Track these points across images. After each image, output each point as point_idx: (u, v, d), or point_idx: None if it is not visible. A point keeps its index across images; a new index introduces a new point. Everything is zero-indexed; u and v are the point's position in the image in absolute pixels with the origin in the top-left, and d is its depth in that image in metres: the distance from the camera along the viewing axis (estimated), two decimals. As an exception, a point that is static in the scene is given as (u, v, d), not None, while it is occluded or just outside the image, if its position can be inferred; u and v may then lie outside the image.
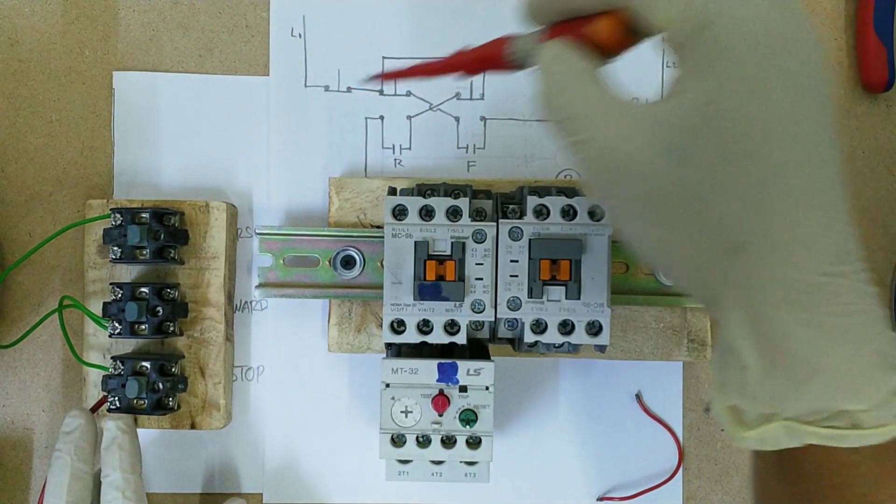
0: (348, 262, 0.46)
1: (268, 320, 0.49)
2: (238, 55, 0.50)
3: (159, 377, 0.45)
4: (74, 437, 0.42)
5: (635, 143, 0.25)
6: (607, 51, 0.29)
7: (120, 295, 0.45)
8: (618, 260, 0.46)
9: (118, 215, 0.45)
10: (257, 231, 0.46)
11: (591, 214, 0.40)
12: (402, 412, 0.40)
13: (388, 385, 0.40)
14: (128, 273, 0.47)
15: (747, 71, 0.24)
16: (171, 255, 0.46)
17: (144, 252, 0.45)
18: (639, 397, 0.49)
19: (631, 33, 0.28)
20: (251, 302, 0.49)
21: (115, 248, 0.45)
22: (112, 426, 0.43)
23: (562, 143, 0.28)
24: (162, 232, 0.45)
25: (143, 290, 0.45)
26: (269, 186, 0.49)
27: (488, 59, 0.33)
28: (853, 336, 0.25)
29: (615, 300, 0.44)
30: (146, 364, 0.45)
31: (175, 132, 0.49)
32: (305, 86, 0.50)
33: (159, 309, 0.45)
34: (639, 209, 0.26)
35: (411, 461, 0.41)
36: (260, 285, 0.46)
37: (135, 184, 0.49)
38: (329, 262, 0.46)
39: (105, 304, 0.45)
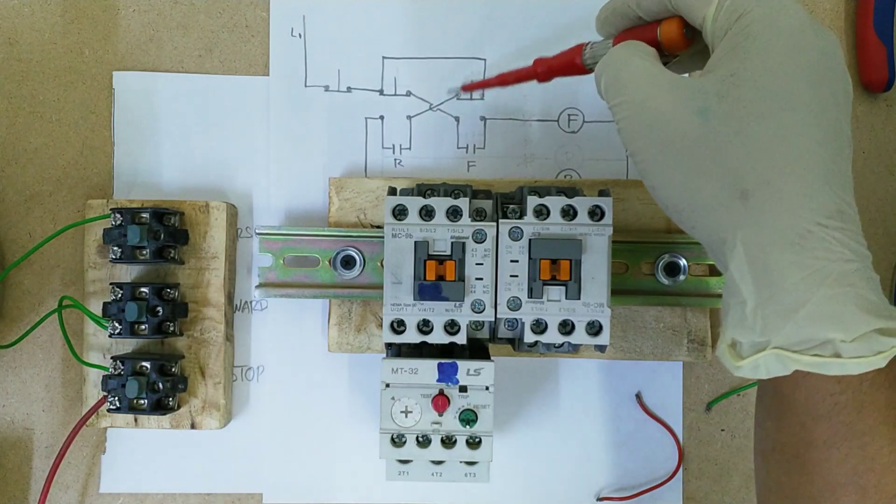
0: (348, 262, 0.46)
1: (268, 320, 0.49)
2: (238, 55, 0.50)
3: (159, 377, 0.45)
4: None
5: (671, 103, 0.31)
6: (670, 50, 0.34)
7: (120, 295, 0.45)
8: (618, 260, 0.46)
9: (118, 215, 0.45)
10: (257, 231, 0.46)
11: (591, 214, 0.40)
12: (402, 412, 0.40)
13: (388, 385, 0.40)
14: (128, 273, 0.47)
15: (768, 50, 0.29)
16: (171, 255, 0.46)
17: (144, 252, 0.45)
18: (639, 397, 0.49)
19: (688, 35, 0.34)
20: (251, 302, 0.49)
21: (115, 248, 0.45)
22: None
23: (609, 105, 0.34)
24: (162, 232, 0.45)
25: (143, 290, 0.45)
26: (269, 186, 0.49)
27: (567, 64, 0.37)
28: (840, 280, 0.28)
29: (615, 300, 0.44)
30: (146, 364, 0.45)
31: (175, 132, 0.49)
32: (305, 86, 0.50)
33: (159, 309, 0.45)
34: (667, 159, 0.31)
35: (411, 461, 0.41)
36: (260, 285, 0.46)
37: (135, 184, 0.49)
38: (329, 262, 0.46)
39: (105, 304, 0.45)
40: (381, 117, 0.50)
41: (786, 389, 0.30)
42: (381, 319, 0.43)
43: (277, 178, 0.49)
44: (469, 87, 0.45)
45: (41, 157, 0.49)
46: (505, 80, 0.41)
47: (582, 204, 0.40)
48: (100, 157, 0.49)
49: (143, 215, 0.45)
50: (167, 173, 0.49)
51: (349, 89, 0.50)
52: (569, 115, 0.49)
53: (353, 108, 0.49)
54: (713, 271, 0.47)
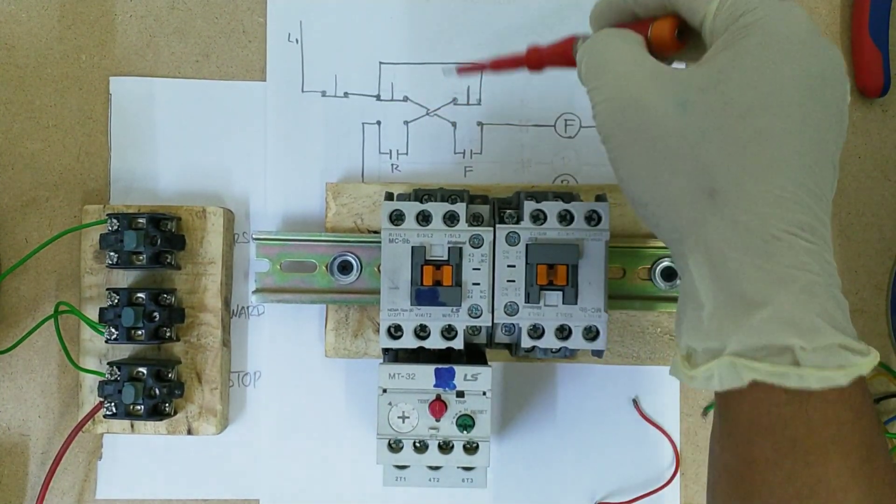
0: (345, 268, 0.46)
1: (265, 326, 0.49)
2: (235, 60, 0.50)
3: (156, 383, 0.45)
4: None
5: (650, 90, 0.30)
6: (660, 51, 0.32)
7: (116, 300, 0.45)
8: (615, 265, 0.46)
9: (115, 220, 0.45)
10: (254, 236, 0.46)
11: (588, 219, 0.40)
12: (399, 417, 0.40)
13: (385, 390, 0.40)
14: (124, 278, 0.47)
15: (762, 50, 0.28)
16: (168, 260, 0.45)
17: (141, 257, 0.45)
18: (636, 402, 0.49)
19: (680, 38, 0.32)
20: (248, 307, 0.49)
21: (112, 254, 0.45)
22: None
23: (587, 89, 0.32)
24: (158, 237, 0.45)
25: (139, 295, 0.45)
26: (266, 192, 0.49)
27: (559, 54, 0.36)
28: (804, 289, 0.26)
29: (612, 305, 0.44)
30: (143, 370, 0.45)
31: (172, 137, 0.49)
32: (302, 91, 0.50)
33: (156, 314, 0.45)
34: (639, 147, 0.30)
35: (408, 466, 0.41)
36: (257, 290, 0.46)
37: (131, 189, 0.49)
38: (326, 267, 0.46)
39: (101, 309, 0.45)
40: (378, 122, 0.50)
41: (732, 403, 0.28)
42: (378, 325, 0.43)
43: (274, 184, 0.49)
44: (465, 69, 0.43)
45: (38, 162, 0.49)
46: (498, 65, 0.39)
47: (579, 209, 0.40)
48: (96, 163, 0.49)
49: (140, 221, 0.45)
50: (164, 179, 0.49)
51: (346, 94, 0.50)
52: (566, 120, 0.50)
53: (350, 113, 0.50)
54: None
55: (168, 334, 0.45)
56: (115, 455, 0.48)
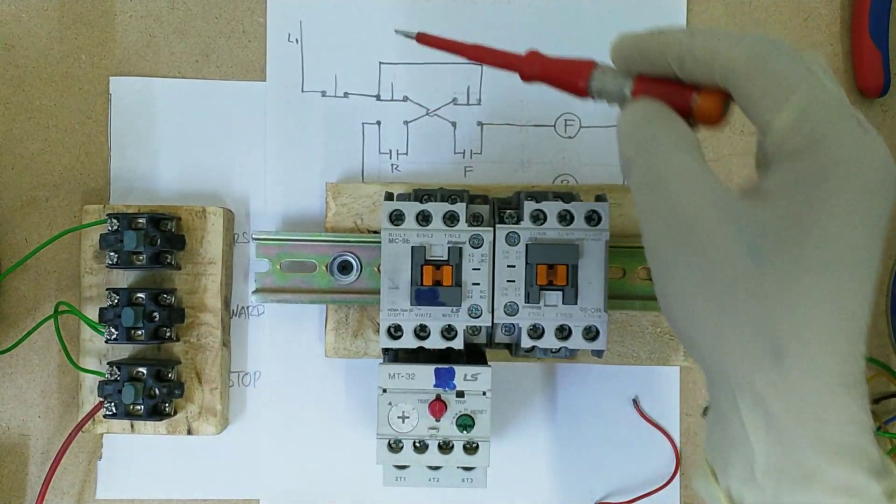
0: (345, 268, 0.46)
1: (265, 326, 0.49)
2: (235, 60, 0.50)
3: (156, 383, 0.45)
4: None
5: (720, 229, 0.27)
6: (699, 122, 0.29)
7: (116, 300, 0.45)
8: (614, 265, 0.46)
9: (115, 220, 0.45)
10: (254, 236, 0.46)
11: (588, 219, 0.40)
12: (399, 417, 0.40)
13: (385, 390, 0.40)
14: (124, 278, 0.47)
15: (845, 205, 0.26)
16: (168, 260, 0.45)
17: (141, 257, 0.45)
18: (636, 402, 0.49)
19: (724, 112, 0.28)
20: (248, 307, 0.49)
21: (112, 254, 0.45)
22: None
23: (635, 196, 0.29)
24: (158, 237, 0.45)
25: (139, 295, 0.45)
26: (266, 192, 0.49)
27: (567, 81, 0.31)
28: (855, 450, 0.27)
29: (612, 305, 0.44)
30: (142, 370, 0.45)
31: (172, 137, 0.49)
32: (302, 91, 0.50)
33: (156, 314, 0.45)
34: (700, 288, 0.27)
35: (408, 466, 0.41)
36: (257, 290, 0.46)
37: (131, 189, 0.49)
38: (326, 267, 0.46)
39: (101, 309, 0.45)
40: (378, 122, 0.50)
41: None
42: (378, 325, 0.43)
43: (274, 184, 0.49)
44: (426, 40, 0.35)
45: (38, 162, 0.49)
46: (482, 57, 0.33)
47: (579, 209, 0.40)
48: (96, 163, 0.49)
49: (140, 221, 0.45)
50: (164, 179, 0.49)
51: (346, 94, 0.50)
52: (566, 120, 0.50)
53: (350, 113, 0.50)
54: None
55: (168, 334, 0.45)
56: (115, 455, 0.48)
